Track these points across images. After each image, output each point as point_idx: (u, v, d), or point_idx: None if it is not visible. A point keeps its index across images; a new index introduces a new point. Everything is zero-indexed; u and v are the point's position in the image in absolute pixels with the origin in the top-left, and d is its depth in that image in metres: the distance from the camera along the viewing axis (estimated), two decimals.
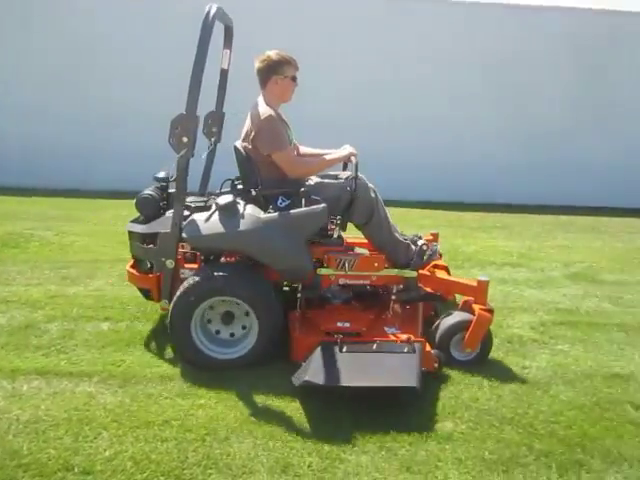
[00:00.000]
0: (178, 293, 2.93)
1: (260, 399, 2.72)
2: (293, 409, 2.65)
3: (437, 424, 2.59)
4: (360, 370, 2.72)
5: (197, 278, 2.93)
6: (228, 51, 3.66)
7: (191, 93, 2.89)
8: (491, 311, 3.13)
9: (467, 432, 2.53)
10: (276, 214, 3.04)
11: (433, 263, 3.40)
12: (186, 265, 3.24)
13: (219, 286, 2.93)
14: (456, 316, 3.17)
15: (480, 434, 2.53)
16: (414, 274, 3.29)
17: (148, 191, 3.41)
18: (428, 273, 3.31)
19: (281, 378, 2.86)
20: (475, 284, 3.23)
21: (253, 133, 3.18)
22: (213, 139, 3.77)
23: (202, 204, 3.34)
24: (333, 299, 3.34)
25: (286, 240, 2.98)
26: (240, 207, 3.03)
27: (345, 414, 2.61)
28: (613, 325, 3.89)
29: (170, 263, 3.05)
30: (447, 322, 3.15)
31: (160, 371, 2.95)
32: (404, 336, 2.98)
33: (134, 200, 3.40)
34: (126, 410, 2.58)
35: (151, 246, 3.19)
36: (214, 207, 3.04)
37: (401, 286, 3.32)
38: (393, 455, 2.36)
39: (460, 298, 3.44)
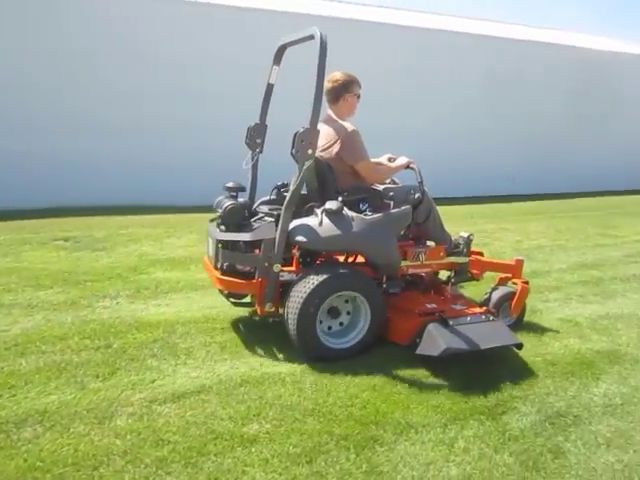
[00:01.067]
0: (306, 292, 3.16)
1: None
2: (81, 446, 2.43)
3: (243, 428, 2.59)
4: (476, 336, 3.22)
5: (324, 277, 3.21)
6: (277, 67, 3.93)
7: (314, 109, 3.19)
8: (528, 283, 3.93)
9: (272, 431, 2.58)
10: (378, 215, 3.41)
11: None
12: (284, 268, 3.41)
13: (344, 282, 3.30)
14: (502, 289, 3.93)
15: (284, 430, 2.59)
16: (466, 260, 3.90)
17: (231, 200, 3.55)
18: (474, 258, 4.01)
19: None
20: (513, 263, 4.06)
21: (338, 145, 3.53)
22: (257, 150, 3.96)
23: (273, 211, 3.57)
24: (394, 288, 3.67)
25: (387, 238, 3.43)
26: (346, 211, 3.34)
27: (143, 431, 2.48)
28: None
29: (277, 267, 3.28)
30: (497, 294, 3.89)
31: None
32: (479, 309, 3.60)
33: (221, 210, 3.49)
34: None
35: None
36: (321, 212, 3.33)
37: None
38: (199, 470, 2.30)
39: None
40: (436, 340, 3.18)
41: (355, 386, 3.00)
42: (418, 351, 3.22)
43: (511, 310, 3.85)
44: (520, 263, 4.06)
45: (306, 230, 3.30)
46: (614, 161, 12.97)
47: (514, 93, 11.43)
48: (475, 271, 4.02)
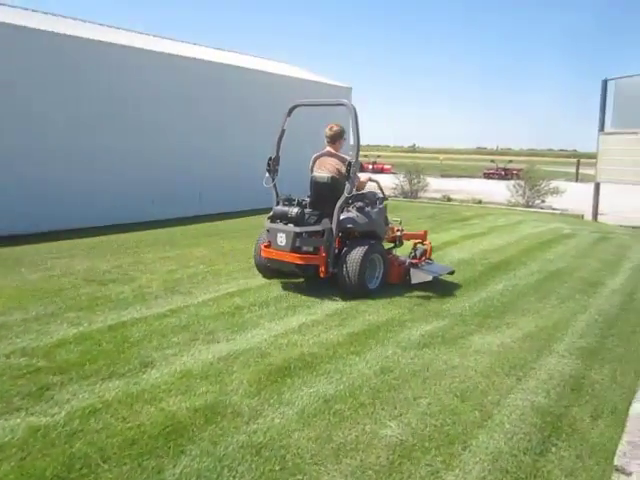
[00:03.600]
0: (360, 256, 5.29)
1: None
2: None
3: None
4: (434, 270, 5.99)
5: (367, 247, 5.39)
6: (289, 118, 5.97)
7: (357, 152, 5.43)
8: (430, 243, 6.41)
9: None
10: (377, 209, 5.76)
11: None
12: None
13: (375, 249, 5.56)
14: (420, 248, 6.22)
15: None
16: (402, 233, 6.27)
17: (297, 208, 5.47)
18: (404, 232, 6.32)
19: None
20: (422, 233, 6.50)
21: (344, 169, 5.43)
22: (275, 174, 5.91)
23: (315, 212, 5.56)
24: None
25: (382, 221, 5.88)
26: (366, 208, 5.66)
27: None
28: None
29: (334, 245, 5.36)
30: (419, 251, 6.16)
31: None
32: (420, 259, 6.08)
33: (292, 214, 5.43)
34: None
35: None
36: (354, 208, 5.59)
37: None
38: None
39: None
40: (421, 274, 5.74)
41: None
42: (413, 282, 5.66)
43: (428, 257, 6.21)
44: (426, 232, 6.58)
45: (351, 220, 5.47)
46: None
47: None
48: (403, 240, 6.30)
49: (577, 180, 31.48)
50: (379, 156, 39.80)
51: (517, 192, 16.06)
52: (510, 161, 39.57)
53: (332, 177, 5.51)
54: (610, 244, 9.39)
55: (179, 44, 14.06)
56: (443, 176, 31.97)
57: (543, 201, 15.78)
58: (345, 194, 5.28)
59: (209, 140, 11.90)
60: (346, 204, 5.49)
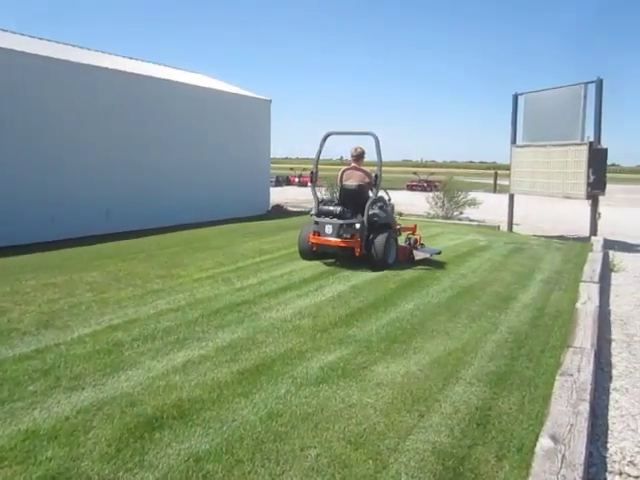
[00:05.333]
0: (385, 239, 7.39)
1: None
2: None
3: None
4: (428, 251, 8.21)
5: (388, 234, 7.48)
6: (324, 144, 8.06)
7: (380, 167, 7.61)
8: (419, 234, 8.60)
9: None
10: (389, 207, 7.97)
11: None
12: None
13: (393, 235, 7.73)
14: (412, 237, 8.33)
15: None
16: (400, 225, 8.58)
17: (340, 206, 7.55)
18: (401, 226, 8.64)
19: None
20: (413, 226, 8.72)
21: (367, 179, 7.77)
22: (316, 184, 8.18)
23: (349, 210, 7.56)
24: None
25: (393, 216, 8.24)
26: (385, 206, 7.89)
27: None
28: None
29: (366, 232, 7.36)
30: (412, 239, 8.30)
31: None
32: (415, 244, 8.22)
33: (337, 211, 7.56)
34: None
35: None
36: (377, 207, 7.70)
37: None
38: None
39: None
40: (421, 253, 8.01)
41: None
42: (416, 259, 7.90)
43: (419, 244, 8.31)
44: (415, 225, 8.79)
45: (376, 215, 7.58)
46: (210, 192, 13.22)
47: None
48: (401, 231, 8.41)
49: (495, 191, 32.54)
50: (305, 169, 39.68)
51: (436, 204, 16.20)
52: (432, 173, 40.51)
53: (359, 185, 7.69)
54: (523, 255, 9.44)
55: (89, 52, 13.24)
56: None
57: (461, 212, 15.99)
58: (372, 197, 7.56)
59: (118, 152, 11.18)
60: (373, 205, 7.58)
